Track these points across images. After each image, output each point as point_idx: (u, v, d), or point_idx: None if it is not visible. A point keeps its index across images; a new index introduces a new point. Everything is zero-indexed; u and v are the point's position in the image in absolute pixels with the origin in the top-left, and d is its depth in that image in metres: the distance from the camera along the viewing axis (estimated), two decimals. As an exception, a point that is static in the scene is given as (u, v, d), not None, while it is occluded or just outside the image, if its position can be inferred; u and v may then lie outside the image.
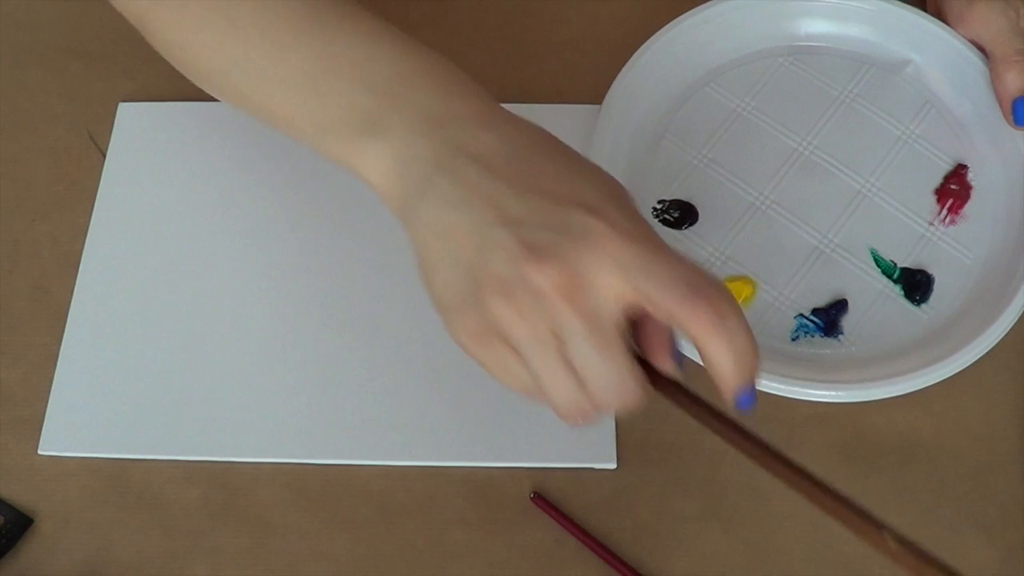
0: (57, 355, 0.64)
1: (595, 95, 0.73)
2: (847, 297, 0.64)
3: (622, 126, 0.67)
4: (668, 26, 0.70)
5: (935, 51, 0.70)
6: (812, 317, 0.64)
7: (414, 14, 0.78)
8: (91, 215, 0.69)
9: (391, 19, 0.77)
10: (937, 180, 0.68)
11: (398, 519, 0.60)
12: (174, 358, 0.64)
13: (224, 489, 0.61)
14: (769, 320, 0.64)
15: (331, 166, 0.70)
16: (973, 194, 0.67)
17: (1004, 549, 0.59)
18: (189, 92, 0.74)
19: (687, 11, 0.72)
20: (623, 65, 0.73)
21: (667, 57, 0.70)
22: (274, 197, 0.70)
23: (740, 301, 0.63)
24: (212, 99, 0.74)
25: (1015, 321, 0.61)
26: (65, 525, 0.60)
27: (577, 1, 0.78)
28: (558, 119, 0.72)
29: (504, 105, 0.73)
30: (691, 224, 0.67)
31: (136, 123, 0.73)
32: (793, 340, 0.63)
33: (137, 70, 0.75)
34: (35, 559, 0.59)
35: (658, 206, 0.67)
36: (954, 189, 0.67)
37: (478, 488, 0.61)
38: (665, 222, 0.67)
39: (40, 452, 0.62)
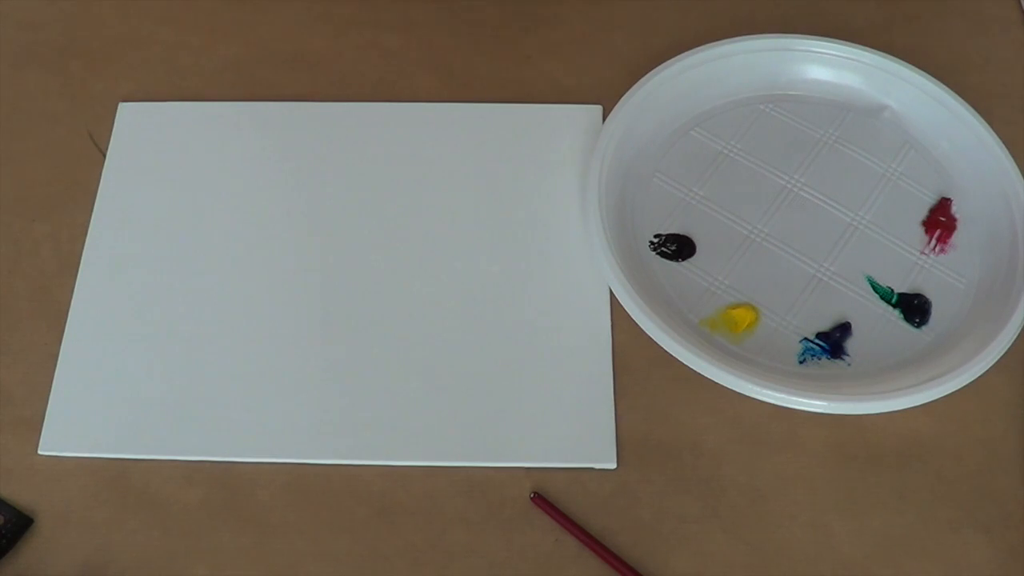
0: (57, 355, 0.64)
1: (595, 95, 0.73)
2: (849, 320, 0.65)
3: (615, 167, 0.68)
4: (651, 73, 0.71)
5: (910, 96, 0.72)
6: (817, 340, 0.64)
7: (414, 14, 0.78)
8: (91, 215, 0.69)
9: (392, 19, 0.78)
10: (923, 213, 0.69)
11: (398, 519, 0.60)
12: (174, 358, 0.64)
13: (224, 489, 0.61)
14: (775, 344, 0.64)
15: (331, 167, 0.71)
16: (959, 225, 0.68)
17: (1004, 549, 0.59)
18: (189, 92, 0.74)
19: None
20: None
21: (652, 104, 0.70)
22: (274, 197, 0.70)
23: (745, 327, 0.64)
24: (212, 99, 0.74)
25: (1015, 338, 0.62)
26: (65, 525, 0.60)
27: (577, 1, 0.78)
28: (558, 119, 0.72)
29: (504, 105, 0.73)
30: (689, 256, 0.67)
31: (136, 123, 0.73)
32: (801, 363, 0.64)
33: (137, 70, 0.75)
34: (35, 559, 0.59)
35: (655, 239, 0.68)
36: (941, 221, 0.69)
37: (478, 488, 0.61)
38: (663, 254, 0.67)
39: (40, 452, 0.62)
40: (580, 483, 0.61)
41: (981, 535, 0.59)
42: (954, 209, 0.69)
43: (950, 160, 0.70)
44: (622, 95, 0.70)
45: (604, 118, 0.72)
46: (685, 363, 0.61)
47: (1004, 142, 0.69)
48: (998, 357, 0.61)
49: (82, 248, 0.68)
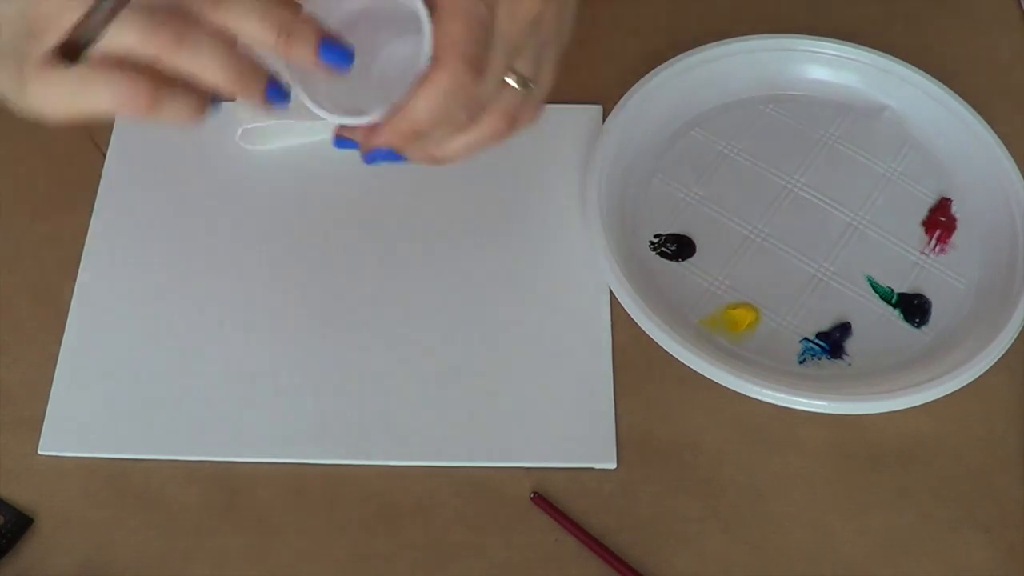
0: (57, 355, 0.64)
1: (595, 95, 0.73)
2: (849, 320, 0.65)
3: (615, 167, 0.68)
4: (651, 73, 0.71)
5: (910, 96, 0.72)
6: (817, 340, 0.64)
7: (414, 14, 0.78)
8: (91, 215, 0.69)
9: (391, 19, 0.78)
10: (923, 213, 0.69)
11: (398, 519, 0.60)
12: (174, 358, 0.64)
13: (224, 489, 0.61)
14: (776, 344, 0.64)
15: (332, 167, 0.71)
16: (959, 225, 0.69)
17: (1004, 549, 0.59)
18: (189, 92, 0.74)
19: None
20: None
21: (652, 104, 0.70)
22: (274, 197, 0.70)
23: (745, 327, 0.65)
24: (212, 99, 0.74)
25: (1015, 338, 0.62)
26: (65, 525, 0.60)
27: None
28: (558, 119, 0.72)
29: (504, 105, 0.73)
30: (690, 256, 0.67)
31: (136, 123, 0.73)
32: (800, 363, 0.64)
33: (137, 70, 0.75)
34: (35, 559, 0.59)
35: (655, 239, 0.68)
36: (941, 221, 0.69)
37: (478, 488, 0.61)
38: (663, 255, 0.67)
39: (40, 452, 0.62)
40: (580, 483, 0.61)
41: (981, 535, 0.59)
42: (954, 209, 0.69)
43: (950, 160, 0.70)
44: (622, 95, 0.70)
45: (604, 118, 0.72)
46: (685, 363, 0.61)
47: (1004, 142, 0.69)
48: (998, 357, 0.61)
49: (82, 248, 0.68)
